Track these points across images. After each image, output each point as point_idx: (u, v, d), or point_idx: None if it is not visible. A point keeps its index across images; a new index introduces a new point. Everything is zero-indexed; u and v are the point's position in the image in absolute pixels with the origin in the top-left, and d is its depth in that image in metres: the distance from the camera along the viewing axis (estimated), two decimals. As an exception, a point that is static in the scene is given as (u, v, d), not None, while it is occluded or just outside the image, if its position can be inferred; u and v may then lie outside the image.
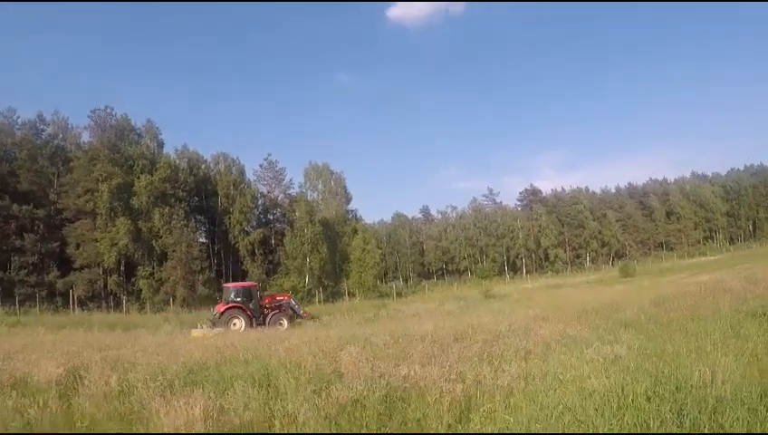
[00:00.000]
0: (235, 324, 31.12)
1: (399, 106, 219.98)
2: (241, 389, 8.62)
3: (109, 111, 70.56)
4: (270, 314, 33.14)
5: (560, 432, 6.49)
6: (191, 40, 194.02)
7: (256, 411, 7.91)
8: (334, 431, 7.39)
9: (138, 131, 76.09)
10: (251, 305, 33.04)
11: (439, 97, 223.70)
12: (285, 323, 32.36)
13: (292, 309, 35.20)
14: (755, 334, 10.82)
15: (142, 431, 7.72)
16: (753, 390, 6.85)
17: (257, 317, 32.41)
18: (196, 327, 29.79)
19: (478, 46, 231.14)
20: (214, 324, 30.73)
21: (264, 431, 7.51)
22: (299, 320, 34.34)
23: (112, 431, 7.92)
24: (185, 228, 66.51)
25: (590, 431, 6.38)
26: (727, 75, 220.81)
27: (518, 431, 6.78)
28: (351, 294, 69.22)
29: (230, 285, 37.29)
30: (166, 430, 7.38)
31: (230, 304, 32.66)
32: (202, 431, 7.29)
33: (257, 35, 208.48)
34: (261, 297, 35.59)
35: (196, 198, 78.48)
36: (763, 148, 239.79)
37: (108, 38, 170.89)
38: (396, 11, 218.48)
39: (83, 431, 7.99)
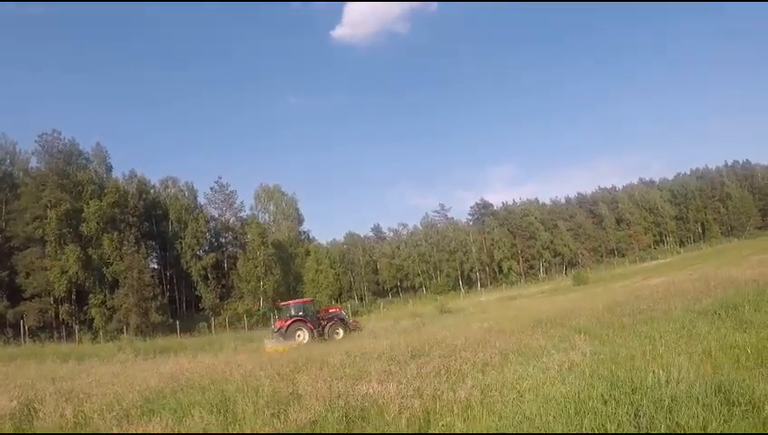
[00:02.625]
0: (299, 336, 33.43)
1: (348, 125, 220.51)
2: (199, 415, 8.47)
3: (56, 135, 69.39)
4: (327, 326, 35.31)
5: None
6: (137, 64, 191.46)
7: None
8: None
9: (86, 156, 75.02)
10: (310, 319, 35.18)
11: (387, 115, 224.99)
12: (341, 332, 35.13)
13: (342, 320, 36.97)
14: (707, 333, 11.00)
15: None
16: (708, 386, 6.94)
17: (317, 329, 34.63)
18: (265, 341, 32.14)
19: (424, 65, 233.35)
20: (284, 338, 32.77)
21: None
22: (350, 330, 36.20)
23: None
24: (136, 254, 65.44)
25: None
26: (669, 83, 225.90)
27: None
28: (307, 316, 68.76)
29: (289, 302, 39.25)
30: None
31: (293, 319, 34.77)
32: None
33: (204, 59, 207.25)
34: (317, 311, 38.05)
35: (147, 223, 77.47)
36: (707, 152, 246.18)
37: (55, 64, 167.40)
38: (341, 31, 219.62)
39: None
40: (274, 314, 65.25)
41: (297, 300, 42.09)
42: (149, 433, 7.51)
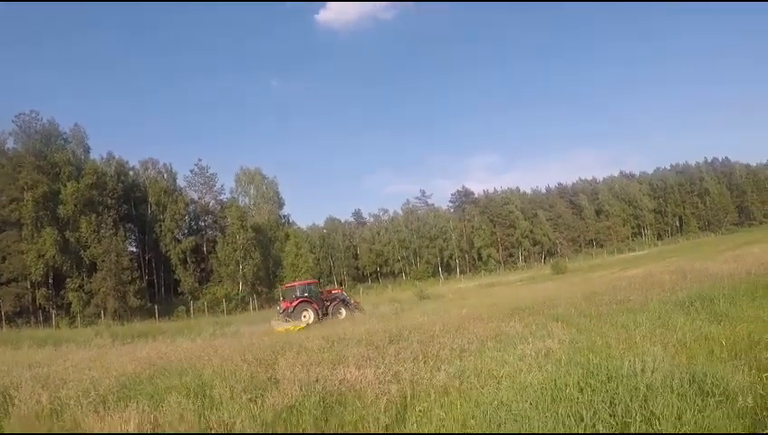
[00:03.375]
0: (305, 317, 34.75)
1: (330, 110, 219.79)
2: (176, 401, 8.44)
3: (34, 115, 68.60)
4: (331, 306, 36.80)
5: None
6: (117, 43, 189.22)
7: (192, 423, 7.75)
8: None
9: (64, 137, 73.57)
10: (315, 300, 36.78)
11: (369, 101, 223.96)
12: (344, 312, 36.34)
13: (343, 301, 38.30)
14: (683, 324, 11.09)
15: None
16: (683, 376, 7.03)
17: (322, 309, 36.17)
18: (272, 323, 33.97)
19: (408, 51, 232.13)
20: (291, 318, 34.22)
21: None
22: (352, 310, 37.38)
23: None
24: (114, 237, 64.70)
25: (527, 425, 6.43)
26: (651, 77, 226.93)
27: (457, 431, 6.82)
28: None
29: (295, 284, 41.93)
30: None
31: (300, 299, 36.15)
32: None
33: (185, 40, 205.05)
34: (321, 292, 39.52)
35: (125, 206, 76.18)
36: (687, 147, 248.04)
37: (37, 47, 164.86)
38: (325, 14, 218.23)
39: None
40: (253, 299, 65.37)
41: (302, 281, 44.32)
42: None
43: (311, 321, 34.04)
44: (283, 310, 35.76)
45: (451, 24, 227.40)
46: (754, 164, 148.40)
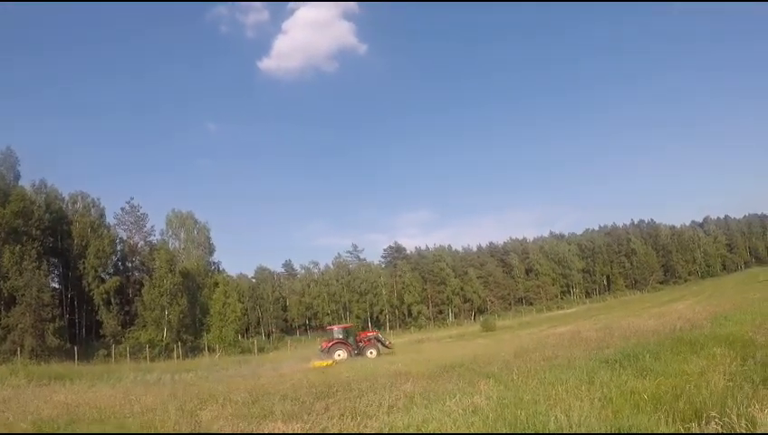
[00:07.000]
0: (339, 355, 39.24)
1: (265, 157, 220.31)
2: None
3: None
4: (363, 347, 41.64)
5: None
6: (59, 79, 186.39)
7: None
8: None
9: (-6, 159, 70.35)
10: (350, 341, 41.84)
11: (305, 152, 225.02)
12: (374, 353, 40.84)
13: (380, 342, 43.71)
14: (609, 380, 11.22)
15: None
16: (608, 430, 7.13)
17: (356, 349, 41.11)
18: (312, 360, 36.65)
19: (347, 104, 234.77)
20: (326, 356, 38.65)
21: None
22: (386, 350, 42.96)
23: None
24: (36, 271, 61.47)
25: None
26: (583, 144, 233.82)
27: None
28: (212, 350, 67.06)
29: (334, 327, 47.19)
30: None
31: (335, 341, 41.43)
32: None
33: (125, 78, 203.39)
34: (356, 334, 44.65)
35: (51, 239, 72.87)
36: (615, 211, 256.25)
37: None
38: (268, 63, 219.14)
39: None
40: (178, 347, 63.62)
41: (341, 325, 49.40)
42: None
43: (341, 358, 38.12)
44: (323, 349, 41.03)
45: (389, 78, 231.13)
46: (679, 225, 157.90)
